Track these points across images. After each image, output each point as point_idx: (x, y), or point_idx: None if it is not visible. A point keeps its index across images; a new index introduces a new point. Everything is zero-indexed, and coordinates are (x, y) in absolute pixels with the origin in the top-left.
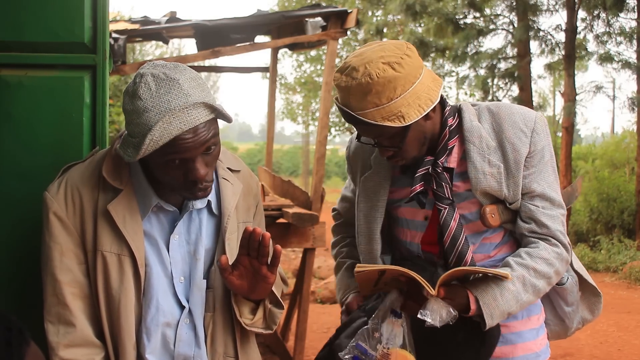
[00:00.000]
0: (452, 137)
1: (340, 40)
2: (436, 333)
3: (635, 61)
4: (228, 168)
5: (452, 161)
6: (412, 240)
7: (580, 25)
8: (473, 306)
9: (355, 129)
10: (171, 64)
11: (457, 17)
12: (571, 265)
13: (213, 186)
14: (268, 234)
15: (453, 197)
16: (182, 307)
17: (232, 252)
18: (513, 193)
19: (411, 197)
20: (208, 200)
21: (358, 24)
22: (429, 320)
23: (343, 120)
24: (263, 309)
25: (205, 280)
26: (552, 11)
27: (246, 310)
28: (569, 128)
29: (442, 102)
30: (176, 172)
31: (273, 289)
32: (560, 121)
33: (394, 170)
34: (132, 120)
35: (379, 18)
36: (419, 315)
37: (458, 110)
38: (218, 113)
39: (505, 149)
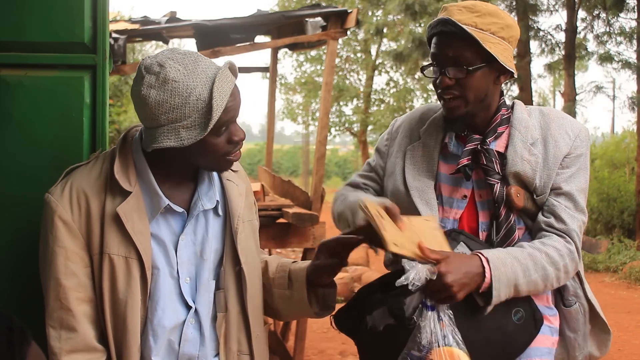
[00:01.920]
0: (503, 124)
1: (340, 40)
2: (496, 311)
3: (635, 61)
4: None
5: (500, 146)
6: (447, 217)
7: (580, 25)
8: (487, 268)
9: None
10: (165, 51)
11: None
12: (584, 293)
13: (218, 187)
14: None
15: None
16: (188, 308)
17: (243, 252)
18: (544, 184)
19: (458, 169)
20: (216, 201)
21: (358, 24)
22: (409, 281)
23: (343, 120)
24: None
25: (214, 281)
26: (552, 11)
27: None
28: None
29: (501, 92)
30: (221, 141)
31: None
32: None
33: (441, 147)
34: (173, 106)
35: (378, 18)
36: (397, 283)
37: (512, 106)
38: (235, 72)
39: (548, 143)
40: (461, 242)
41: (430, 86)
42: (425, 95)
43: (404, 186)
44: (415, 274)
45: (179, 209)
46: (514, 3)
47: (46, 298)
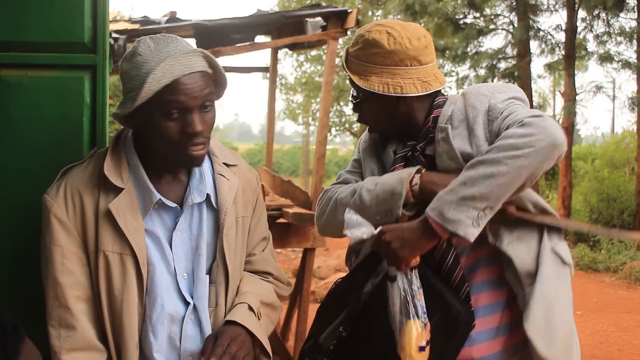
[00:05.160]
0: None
1: (340, 40)
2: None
3: (635, 61)
4: (224, 163)
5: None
6: None
7: (580, 25)
8: (430, 218)
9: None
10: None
11: (457, 17)
12: None
13: (211, 180)
14: None
15: None
16: (186, 304)
17: (230, 247)
18: (475, 145)
19: None
20: (207, 194)
21: (358, 24)
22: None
23: (343, 120)
24: (253, 353)
25: (208, 276)
26: (552, 11)
27: None
28: (569, 128)
29: (434, 94)
30: (174, 127)
31: (260, 338)
32: (560, 121)
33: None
34: (130, 77)
35: (378, 18)
36: (352, 239)
37: (444, 103)
38: (216, 70)
39: (468, 113)
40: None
41: None
42: None
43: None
44: (365, 229)
45: (172, 204)
46: (514, 3)
47: (46, 297)
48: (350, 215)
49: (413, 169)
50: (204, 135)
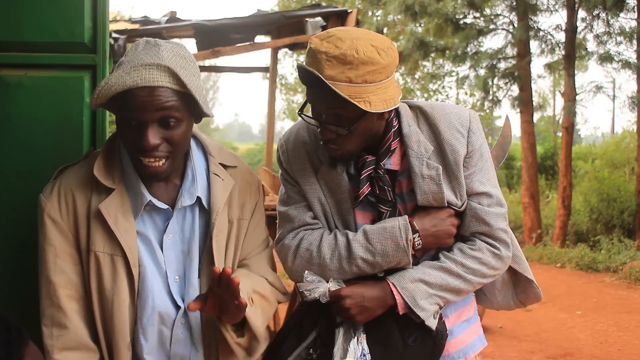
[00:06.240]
0: (395, 138)
1: None
2: (388, 336)
3: (635, 61)
4: (221, 164)
5: (395, 163)
6: None
7: (580, 25)
8: (398, 297)
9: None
10: (175, 42)
11: (457, 17)
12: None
13: (205, 182)
14: (237, 280)
15: (397, 197)
16: (177, 307)
17: (220, 250)
18: (460, 194)
19: (361, 200)
20: (197, 197)
21: (358, 24)
22: (307, 294)
23: None
24: (249, 335)
25: (199, 279)
26: (552, 11)
27: (231, 328)
28: (569, 128)
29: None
30: (130, 136)
31: (251, 321)
32: (560, 121)
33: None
34: None
35: (379, 18)
36: (307, 298)
37: (396, 113)
38: (185, 89)
39: (445, 150)
40: None
41: (431, 86)
42: (425, 95)
43: (325, 220)
44: (322, 290)
45: (163, 206)
46: (514, 3)
47: (40, 296)
48: (312, 277)
49: (404, 226)
50: (158, 150)
